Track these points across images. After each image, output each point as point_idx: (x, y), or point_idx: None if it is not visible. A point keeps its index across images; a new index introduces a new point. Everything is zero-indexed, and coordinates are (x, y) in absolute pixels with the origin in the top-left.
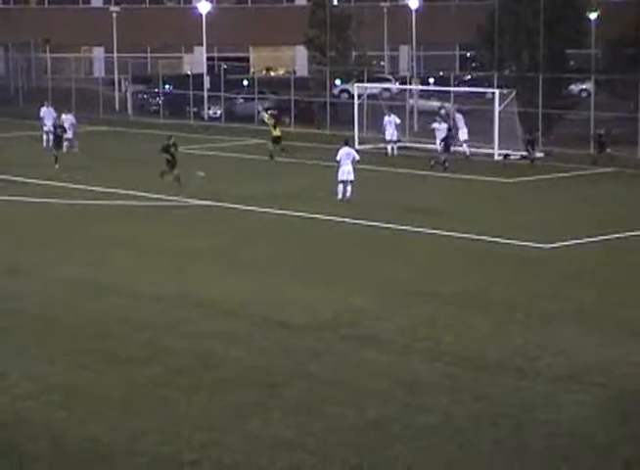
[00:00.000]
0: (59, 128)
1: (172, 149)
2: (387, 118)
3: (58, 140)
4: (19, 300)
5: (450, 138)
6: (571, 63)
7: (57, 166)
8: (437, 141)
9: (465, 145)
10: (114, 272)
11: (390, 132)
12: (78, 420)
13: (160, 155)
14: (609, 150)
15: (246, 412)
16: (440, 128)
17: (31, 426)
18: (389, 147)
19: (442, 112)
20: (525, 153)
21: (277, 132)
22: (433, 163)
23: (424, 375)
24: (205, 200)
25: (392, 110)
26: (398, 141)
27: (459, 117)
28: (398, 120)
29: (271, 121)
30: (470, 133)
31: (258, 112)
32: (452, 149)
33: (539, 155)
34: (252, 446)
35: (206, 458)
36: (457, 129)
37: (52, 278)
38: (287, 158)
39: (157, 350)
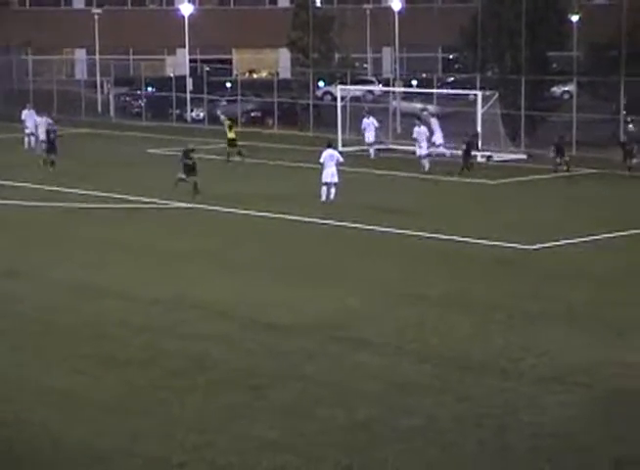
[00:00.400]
0: (51, 133)
1: (191, 154)
2: (365, 121)
3: (51, 144)
4: (17, 302)
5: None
6: (554, 65)
7: (51, 170)
8: (417, 144)
9: (441, 148)
10: (107, 275)
11: (370, 135)
12: (74, 422)
13: (181, 161)
14: (567, 157)
15: (237, 414)
16: (420, 132)
17: (29, 427)
18: (371, 150)
19: (425, 113)
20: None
21: (232, 134)
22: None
23: (412, 377)
24: (190, 202)
25: (373, 112)
26: (380, 143)
27: (434, 120)
28: (377, 123)
29: (227, 123)
30: (453, 135)
31: (218, 116)
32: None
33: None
34: (243, 447)
35: (199, 460)
36: (432, 133)
37: (49, 281)
38: (248, 159)
39: (155, 352)
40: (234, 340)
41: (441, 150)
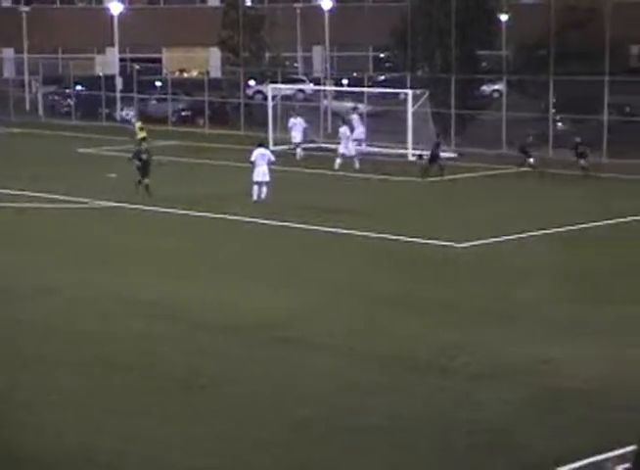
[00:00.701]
0: None
1: (144, 156)
2: (292, 120)
3: None
4: None
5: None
6: (483, 64)
7: None
8: (342, 143)
9: (363, 144)
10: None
11: (297, 135)
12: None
13: (131, 162)
14: (532, 160)
15: (178, 414)
16: (343, 131)
17: None
18: (298, 150)
19: (354, 116)
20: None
21: (142, 134)
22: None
23: (357, 376)
24: (119, 201)
25: (302, 111)
26: (310, 142)
27: (355, 117)
28: (305, 124)
29: (137, 125)
30: (384, 134)
31: (129, 118)
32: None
33: (450, 155)
34: (181, 446)
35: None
36: (352, 129)
37: None
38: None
39: (97, 352)
40: (177, 340)
41: (361, 147)
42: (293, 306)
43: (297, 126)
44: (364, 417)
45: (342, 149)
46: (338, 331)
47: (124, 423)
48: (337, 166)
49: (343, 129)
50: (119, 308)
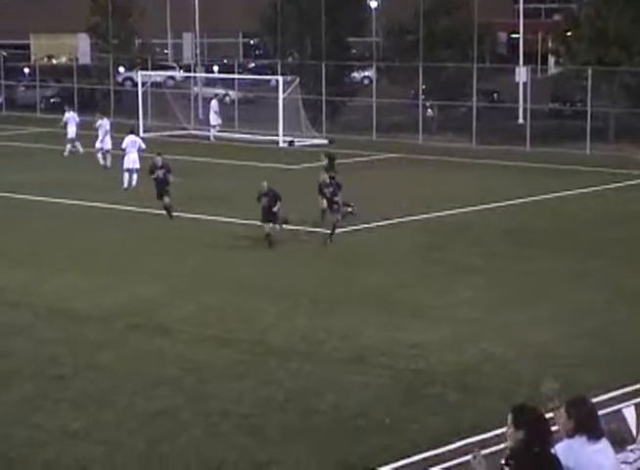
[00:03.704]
0: None
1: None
2: (66, 115)
3: None
4: None
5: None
6: (353, 51)
7: None
8: (100, 137)
9: (212, 129)
10: None
11: (71, 131)
12: None
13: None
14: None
15: (36, 405)
16: (101, 125)
17: None
18: (69, 146)
19: (214, 102)
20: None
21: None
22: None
23: (212, 362)
24: None
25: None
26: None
27: (214, 103)
28: (78, 119)
29: None
30: (255, 121)
31: None
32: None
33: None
34: (40, 439)
35: None
36: (206, 114)
37: None
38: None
39: None
40: (25, 329)
41: (214, 132)
42: (145, 294)
43: (71, 121)
44: (222, 403)
45: (102, 144)
46: (192, 317)
47: None
48: (101, 163)
49: (104, 122)
50: None
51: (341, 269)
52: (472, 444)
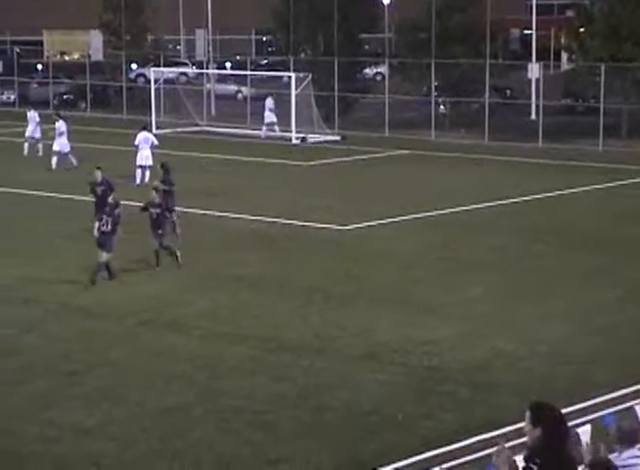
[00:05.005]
0: None
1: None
2: (29, 114)
3: None
4: None
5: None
6: (366, 47)
7: None
8: (56, 140)
9: (264, 127)
10: None
11: (33, 129)
12: None
13: None
14: None
15: (50, 401)
16: (59, 126)
17: None
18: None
19: (239, 96)
20: None
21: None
22: None
23: (225, 359)
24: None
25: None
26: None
27: (270, 100)
28: (38, 118)
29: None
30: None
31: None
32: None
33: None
34: (53, 435)
35: (2, 449)
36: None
37: None
38: None
39: None
40: (38, 326)
41: (272, 132)
42: (164, 290)
43: (33, 120)
44: (235, 399)
45: (60, 147)
46: (209, 314)
47: None
48: (53, 166)
49: (60, 124)
50: None
51: (353, 266)
52: (484, 440)
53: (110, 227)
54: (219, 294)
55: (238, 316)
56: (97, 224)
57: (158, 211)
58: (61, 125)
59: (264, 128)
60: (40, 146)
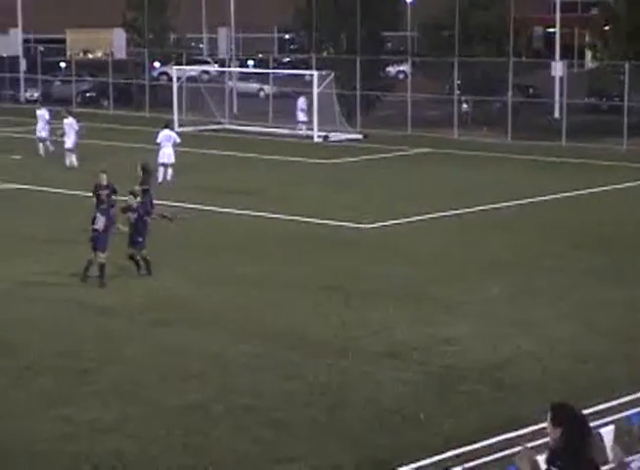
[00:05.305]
0: None
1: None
2: (65, 121)
3: None
4: None
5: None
6: (389, 45)
7: None
8: (67, 137)
9: (304, 127)
10: None
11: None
12: None
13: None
14: None
15: (64, 398)
16: (68, 123)
17: None
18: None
19: (261, 94)
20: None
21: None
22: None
23: (241, 357)
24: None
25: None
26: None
27: (302, 100)
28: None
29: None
30: (290, 115)
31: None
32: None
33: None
34: (69, 432)
35: (16, 447)
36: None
37: None
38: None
39: None
40: (49, 323)
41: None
42: (176, 288)
43: (42, 118)
44: (250, 397)
45: (69, 143)
46: (223, 311)
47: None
48: (67, 164)
49: (70, 121)
50: None
51: (373, 264)
52: (506, 440)
53: (102, 226)
54: (236, 292)
55: (257, 314)
56: (102, 219)
57: (135, 215)
58: (72, 122)
59: (303, 126)
60: (49, 144)
